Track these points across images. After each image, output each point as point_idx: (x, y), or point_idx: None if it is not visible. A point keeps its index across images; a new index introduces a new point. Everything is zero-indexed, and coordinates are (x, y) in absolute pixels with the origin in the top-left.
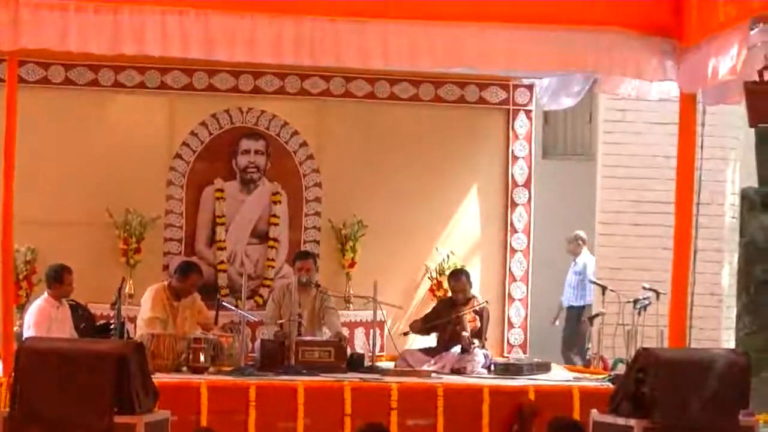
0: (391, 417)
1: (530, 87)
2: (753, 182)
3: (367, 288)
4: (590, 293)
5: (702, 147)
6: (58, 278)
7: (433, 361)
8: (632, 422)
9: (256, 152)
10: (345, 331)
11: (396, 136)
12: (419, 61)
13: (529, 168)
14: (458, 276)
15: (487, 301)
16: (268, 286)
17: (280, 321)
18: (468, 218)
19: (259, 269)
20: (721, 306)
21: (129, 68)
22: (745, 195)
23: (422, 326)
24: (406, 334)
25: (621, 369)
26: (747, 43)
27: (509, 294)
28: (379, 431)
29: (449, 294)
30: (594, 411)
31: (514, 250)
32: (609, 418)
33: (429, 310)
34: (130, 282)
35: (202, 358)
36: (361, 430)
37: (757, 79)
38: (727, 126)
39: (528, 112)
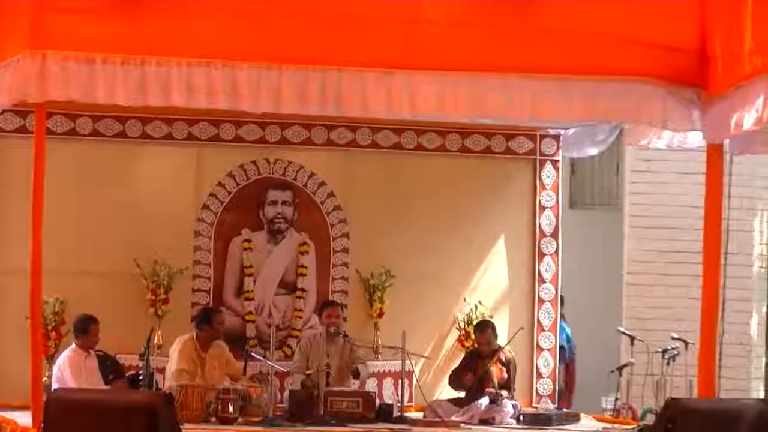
0: None
1: (557, 137)
2: None
3: (395, 338)
4: None
5: (729, 196)
6: (84, 329)
7: (461, 412)
8: None
9: (284, 203)
10: (373, 382)
11: (423, 186)
12: (445, 111)
13: (557, 218)
14: (483, 328)
15: (522, 327)
16: (296, 337)
17: (308, 371)
18: (496, 268)
19: (287, 320)
20: (750, 356)
21: (156, 119)
22: None
23: (473, 380)
24: (465, 392)
25: (650, 419)
26: None
27: (537, 344)
28: None
29: (476, 345)
30: None
31: (542, 300)
32: None
33: (457, 363)
34: (159, 333)
35: (230, 408)
36: None
37: None
38: (755, 175)
39: (555, 162)
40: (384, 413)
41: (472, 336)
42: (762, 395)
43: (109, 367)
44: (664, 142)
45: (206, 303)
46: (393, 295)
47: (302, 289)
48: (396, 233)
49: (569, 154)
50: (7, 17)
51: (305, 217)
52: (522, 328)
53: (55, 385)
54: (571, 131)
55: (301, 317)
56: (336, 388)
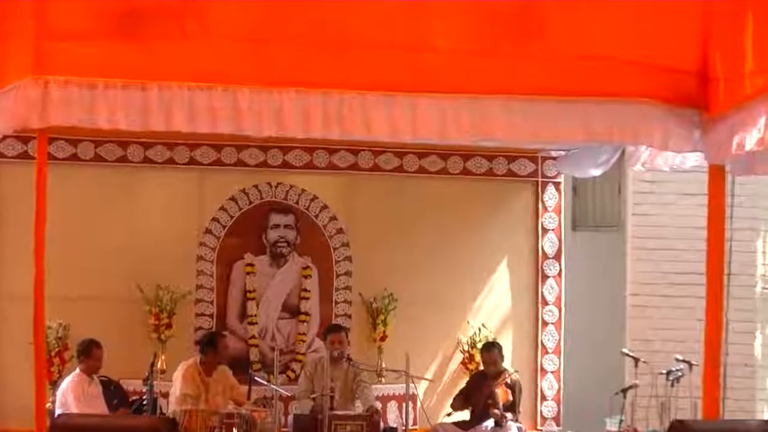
0: None
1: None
2: None
3: (398, 361)
4: None
5: (732, 217)
6: (86, 351)
7: None
8: None
9: (286, 227)
10: (378, 405)
11: (425, 209)
12: (447, 134)
13: (559, 240)
14: (490, 349)
15: (516, 371)
16: (300, 361)
17: (313, 395)
18: (499, 291)
19: (290, 343)
20: (754, 377)
21: (158, 144)
22: None
23: (463, 404)
24: (449, 414)
25: None
26: None
27: (541, 366)
28: None
29: (481, 367)
30: None
31: (545, 323)
32: None
33: (462, 385)
34: (162, 357)
35: None
36: None
37: None
38: (758, 196)
39: (557, 185)
40: None
41: (476, 358)
42: (766, 416)
43: (113, 392)
44: (667, 164)
45: (209, 327)
46: (396, 318)
47: (305, 313)
48: (399, 256)
49: (571, 174)
50: (9, 43)
51: (308, 241)
52: (517, 371)
53: (58, 411)
54: (571, 151)
55: (304, 341)
56: (340, 412)
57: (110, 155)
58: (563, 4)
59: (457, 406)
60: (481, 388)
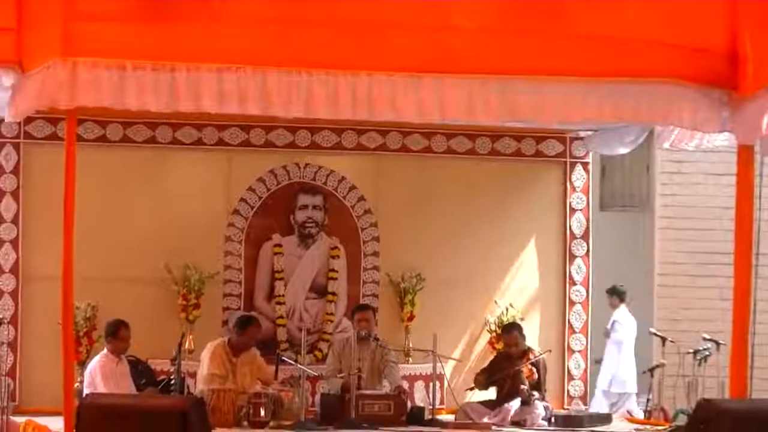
0: None
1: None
2: None
3: (426, 341)
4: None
5: (760, 197)
6: (114, 332)
7: (493, 414)
8: None
9: (314, 207)
10: (405, 385)
11: (453, 189)
12: (475, 114)
13: (587, 220)
14: (510, 330)
15: (549, 350)
16: (327, 341)
17: (341, 375)
18: (526, 271)
19: (318, 323)
20: None
21: (186, 125)
22: None
23: (485, 380)
24: (471, 389)
25: (682, 420)
26: None
27: (569, 346)
28: None
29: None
30: None
31: (573, 303)
32: None
33: (486, 364)
34: (190, 337)
35: (262, 412)
36: None
37: None
38: None
39: (585, 165)
40: (415, 416)
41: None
42: None
43: (140, 372)
44: (695, 144)
45: (237, 307)
46: (424, 299)
47: (333, 293)
48: (426, 236)
49: (599, 151)
50: (38, 24)
51: (336, 221)
52: (550, 350)
53: (86, 390)
54: (600, 130)
55: (332, 321)
56: (368, 392)
57: (139, 136)
58: None
59: (480, 381)
60: (506, 367)
